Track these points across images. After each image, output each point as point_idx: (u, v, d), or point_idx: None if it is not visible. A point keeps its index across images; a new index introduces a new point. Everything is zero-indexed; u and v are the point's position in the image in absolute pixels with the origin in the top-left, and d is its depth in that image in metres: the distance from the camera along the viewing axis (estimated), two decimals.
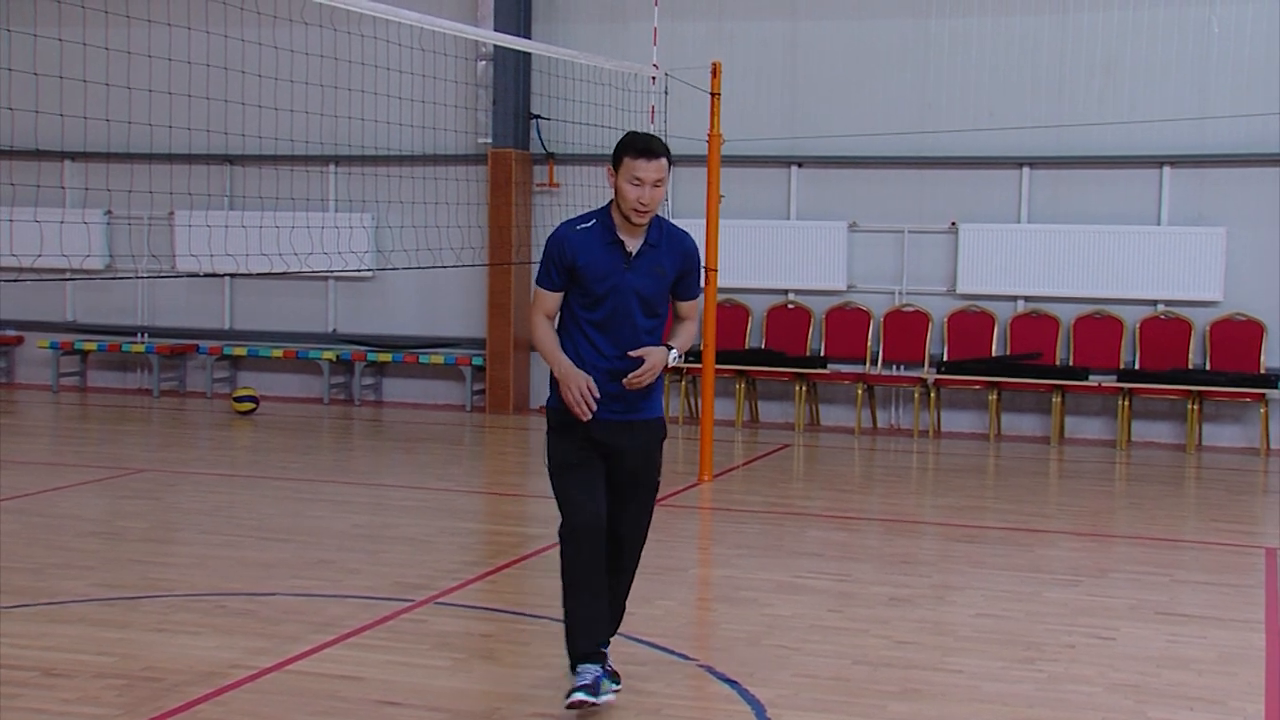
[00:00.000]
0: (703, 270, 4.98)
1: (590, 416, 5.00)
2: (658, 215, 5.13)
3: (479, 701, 5.28)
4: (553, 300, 5.15)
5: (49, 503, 9.08)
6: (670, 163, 5.10)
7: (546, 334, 5.12)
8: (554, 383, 5.12)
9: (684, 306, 5.31)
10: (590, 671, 4.99)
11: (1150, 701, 5.41)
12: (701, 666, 5.73)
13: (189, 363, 15.43)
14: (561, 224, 5.19)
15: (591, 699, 4.94)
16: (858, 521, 9.02)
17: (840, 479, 10.83)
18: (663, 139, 5.10)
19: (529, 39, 13.13)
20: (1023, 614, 6.68)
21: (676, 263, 5.15)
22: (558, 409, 5.14)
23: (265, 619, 6.30)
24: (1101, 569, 7.75)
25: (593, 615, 5.05)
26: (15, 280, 7.79)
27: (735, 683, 5.49)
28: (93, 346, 15.23)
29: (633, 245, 5.10)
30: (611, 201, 5.12)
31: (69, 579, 7.00)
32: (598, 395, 4.99)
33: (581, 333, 5.11)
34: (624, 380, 5.03)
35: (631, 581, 5.39)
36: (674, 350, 5.15)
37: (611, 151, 5.15)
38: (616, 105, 11.98)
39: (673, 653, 5.90)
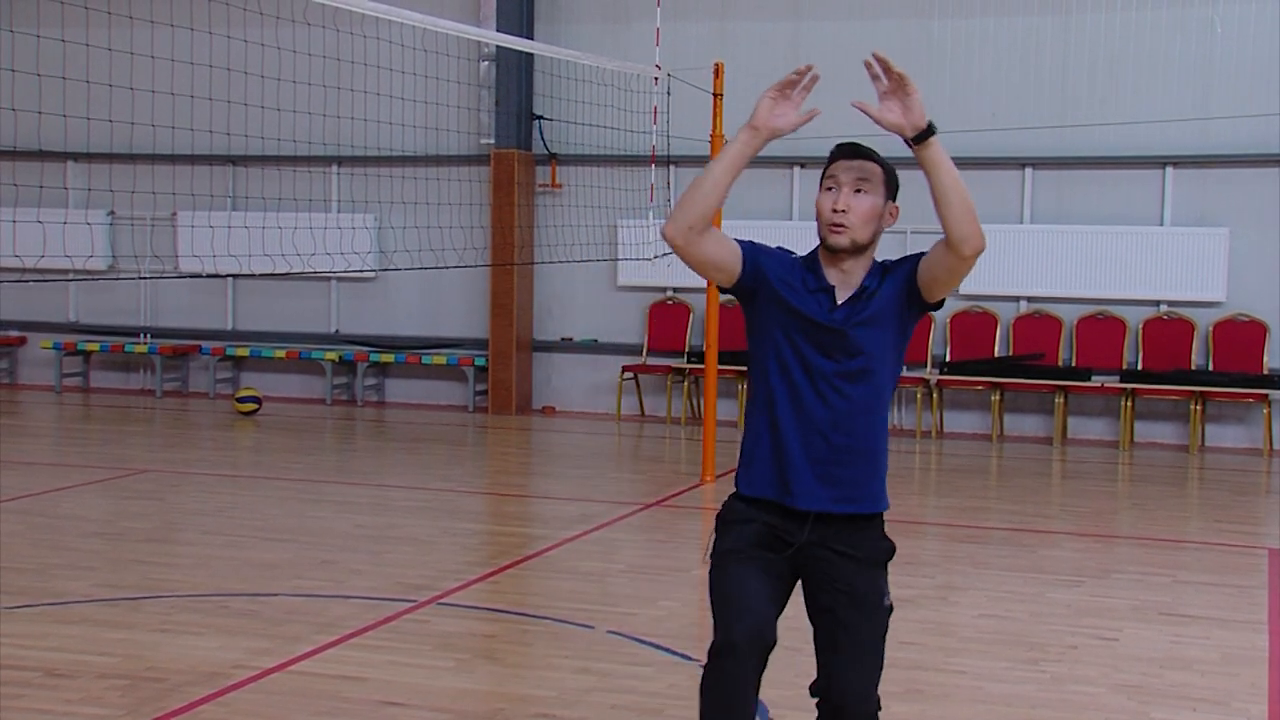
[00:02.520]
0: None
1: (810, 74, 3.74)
2: (876, 259, 3.81)
3: (482, 702, 5.28)
4: (729, 242, 3.78)
5: (52, 503, 9.08)
6: (888, 174, 3.87)
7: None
8: (743, 458, 3.79)
9: (935, 248, 3.77)
10: None
11: (1153, 702, 5.41)
12: (704, 667, 5.72)
13: (192, 363, 15.44)
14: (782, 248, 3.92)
15: None
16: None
17: None
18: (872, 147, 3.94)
19: (531, 40, 13.12)
20: (1026, 614, 6.68)
21: (898, 283, 3.75)
22: (733, 498, 3.81)
23: (268, 619, 6.30)
24: (1104, 569, 7.75)
25: None
26: (18, 281, 7.79)
27: None
28: (95, 347, 15.24)
29: (843, 293, 3.73)
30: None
31: (72, 579, 7.00)
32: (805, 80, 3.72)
33: (771, 398, 3.73)
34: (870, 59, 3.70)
35: None
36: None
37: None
38: (619, 106, 11.99)
39: (675, 653, 5.89)
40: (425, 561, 7.57)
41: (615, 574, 7.42)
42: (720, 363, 10.80)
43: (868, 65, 3.66)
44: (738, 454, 3.85)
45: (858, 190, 3.76)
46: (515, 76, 13.89)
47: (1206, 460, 11.95)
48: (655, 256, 11.27)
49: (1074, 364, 12.72)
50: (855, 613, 3.69)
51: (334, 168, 14.59)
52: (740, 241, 3.80)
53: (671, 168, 13.34)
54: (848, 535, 3.71)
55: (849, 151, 3.84)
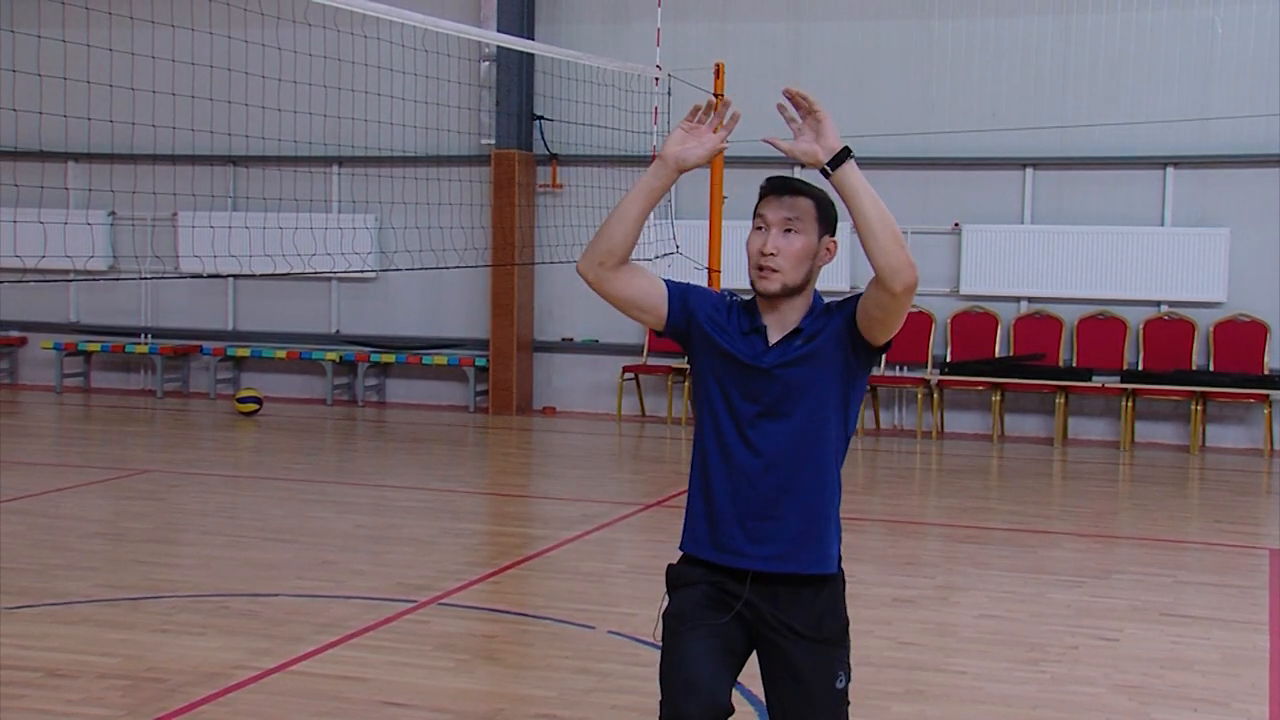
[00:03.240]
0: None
1: (727, 114, 3.48)
2: (818, 294, 3.55)
3: (482, 702, 5.28)
4: (655, 281, 3.60)
5: (52, 504, 9.09)
6: (821, 208, 3.55)
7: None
8: (689, 519, 3.60)
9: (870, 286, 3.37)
10: None
11: (1154, 703, 5.41)
12: None
13: (192, 363, 15.44)
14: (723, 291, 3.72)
15: None
16: (861, 522, 9.00)
17: (843, 480, 10.81)
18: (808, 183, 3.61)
19: (532, 40, 13.13)
20: (1026, 615, 6.68)
21: (836, 327, 3.46)
22: (679, 561, 3.64)
23: (269, 620, 6.30)
24: (1105, 570, 7.74)
25: None
26: (19, 281, 7.80)
27: (738, 684, 5.48)
28: (96, 347, 15.24)
29: (775, 332, 3.50)
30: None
31: (73, 580, 7.00)
32: (719, 112, 3.48)
33: (704, 449, 3.52)
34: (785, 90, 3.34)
35: None
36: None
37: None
38: (619, 106, 11.98)
39: None
40: (426, 562, 7.57)
41: (616, 574, 7.42)
42: None
43: (780, 108, 3.39)
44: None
45: (787, 230, 3.47)
46: (516, 77, 13.89)
47: (1207, 461, 11.95)
48: (655, 257, 11.27)
49: (1075, 364, 12.72)
50: (802, 703, 3.44)
51: (335, 168, 14.59)
52: (669, 282, 3.58)
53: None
54: (790, 603, 3.44)
55: (778, 187, 3.55)
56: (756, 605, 3.46)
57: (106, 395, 15.19)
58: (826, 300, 3.56)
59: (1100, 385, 12.42)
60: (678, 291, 3.58)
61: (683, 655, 3.42)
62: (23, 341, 15.89)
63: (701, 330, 3.52)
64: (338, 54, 10.84)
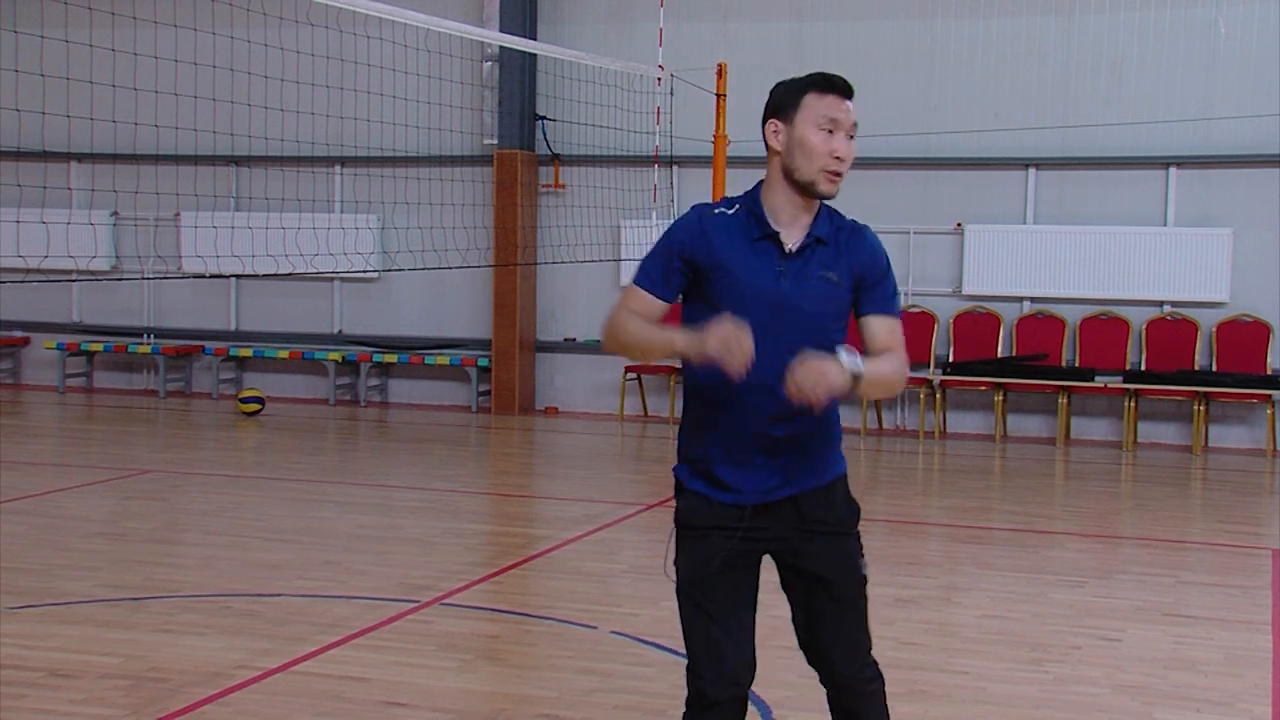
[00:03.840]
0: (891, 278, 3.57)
1: (747, 369, 3.22)
2: (826, 205, 3.50)
3: (484, 702, 5.28)
4: (645, 305, 3.45)
5: (55, 503, 9.09)
6: None
7: (633, 322, 3.42)
8: (683, 443, 3.64)
9: (875, 325, 3.47)
10: None
11: (1156, 703, 5.41)
12: None
13: (195, 364, 15.45)
14: (695, 205, 3.53)
15: None
16: (863, 522, 8.99)
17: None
18: None
19: (534, 40, 13.13)
20: (1028, 615, 6.67)
21: (855, 264, 3.45)
22: (686, 497, 3.63)
23: (271, 620, 6.30)
24: (1107, 570, 7.74)
25: None
26: (22, 281, 7.79)
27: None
28: (99, 347, 15.25)
29: (792, 239, 3.43)
30: (760, 183, 3.51)
31: (75, 580, 7.00)
32: (750, 352, 3.20)
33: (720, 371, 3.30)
34: (786, 388, 3.24)
35: None
36: (850, 358, 3.27)
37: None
38: (622, 106, 11.99)
39: (678, 654, 5.87)
40: (428, 562, 7.57)
41: (618, 574, 7.42)
42: None
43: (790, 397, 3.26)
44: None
45: (849, 136, 3.41)
46: (518, 77, 13.89)
47: (1210, 461, 11.94)
48: None
49: (1077, 364, 12.72)
50: (831, 601, 3.62)
51: (337, 168, 14.60)
52: (659, 279, 3.46)
53: (675, 168, 13.36)
54: (811, 507, 3.60)
55: (844, 88, 3.43)
56: (774, 528, 3.52)
57: (109, 395, 15.20)
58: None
59: (1103, 385, 12.41)
60: (670, 282, 3.47)
61: (706, 634, 3.50)
62: (25, 341, 15.90)
63: (699, 270, 3.46)
64: (340, 54, 10.86)
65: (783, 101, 3.43)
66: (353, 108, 11.77)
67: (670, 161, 12.95)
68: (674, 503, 3.68)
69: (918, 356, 13.16)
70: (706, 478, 3.58)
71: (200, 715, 5.03)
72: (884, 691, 3.70)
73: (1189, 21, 12.55)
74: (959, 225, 13.13)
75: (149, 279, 15.00)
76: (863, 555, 3.71)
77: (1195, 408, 12.21)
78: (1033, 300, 13.09)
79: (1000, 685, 5.58)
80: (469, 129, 14.05)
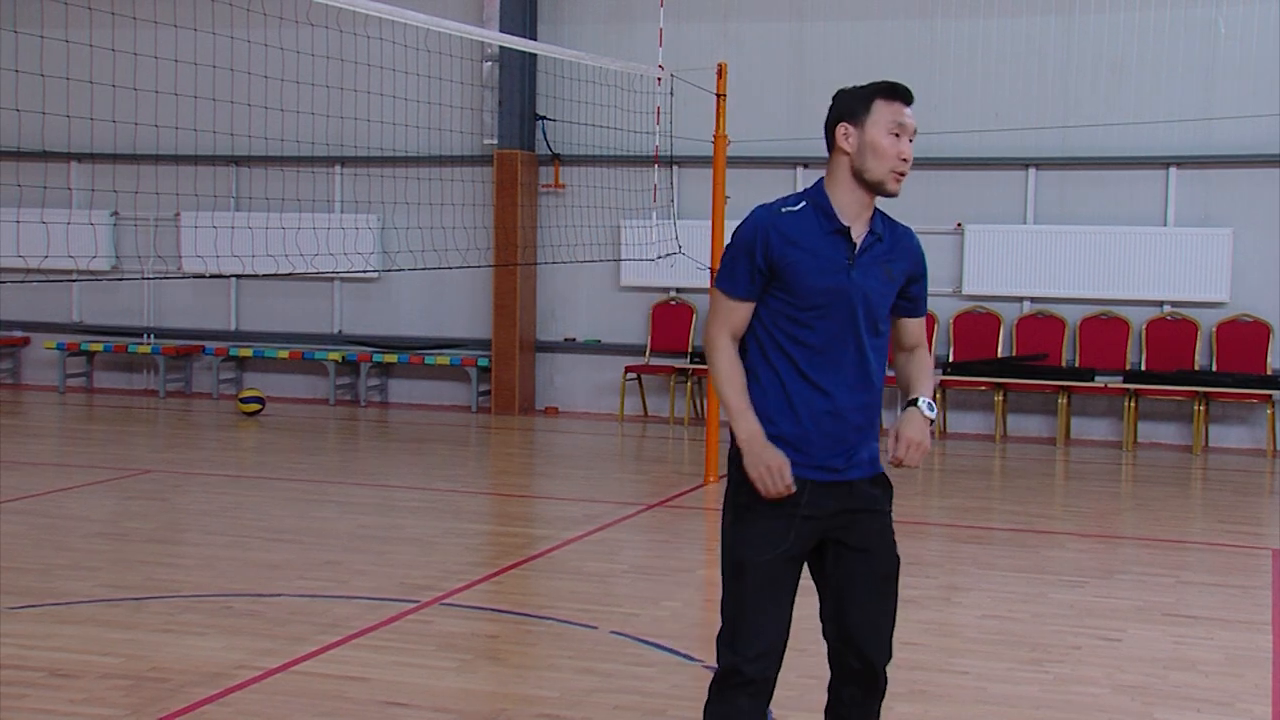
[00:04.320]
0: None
1: (782, 496, 3.63)
2: (879, 206, 3.83)
3: (485, 702, 5.28)
4: (742, 313, 3.71)
5: (55, 504, 9.09)
6: None
7: (732, 371, 3.72)
8: (737, 448, 3.73)
9: (912, 326, 3.96)
10: None
11: (1157, 703, 5.41)
12: (707, 668, 5.72)
13: (195, 364, 15.45)
14: (759, 207, 3.76)
15: None
16: None
17: None
18: None
19: (534, 40, 13.13)
20: (1029, 615, 6.68)
21: (906, 265, 3.84)
22: (746, 480, 3.72)
23: (271, 620, 6.31)
24: (1108, 570, 7.74)
25: None
26: (22, 281, 7.79)
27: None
28: (99, 347, 15.26)
29: (859, 234, 3.74)
30: (823, 179, 3.76)
31: (75, 580, 7.01)
32: (791, 485, 3.62)
33: (788, 360, 3.69)
34: (892, 459, 3.73)
35: None
36: (926, 403, 3.83)
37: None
38: (622, 106, 11.99)
39: (678, 654, 5.89)
40: (428, 562, 7.57)
41: (618, 574, 7.42)
42: None
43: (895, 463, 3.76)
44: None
45: (910, 140, 3.71)
46: (518, 77, 13.90)
47: (1210, 461, 11.94)
48: (658, 257, 11.28)
49: (1077, 364, 12.72)
50: (870, 576, 3.80)
51: (337, 168, 14.60)
52: (746, 283, 3.72)
53: (675, 168, 13.36)
54: (864, 487, 3.83)
55: (909, 96, 3.72)
56: (833, 504, 3.72)
57: (109, 395, 15.21)
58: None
59: (1103, 385, 12.41)
60: (755, 284, 3.71)
61: (755, 614, 3.67)
62: (25, 341, 15.90)
63: (778, 269, 3.70)
64: (340, 54, 10.86)
65: (853, 107, 3.69)
66: (353, 108, 11.77)
67: (670, 161, 12.95)
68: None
69: None
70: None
71: (201, 715, 5.03)
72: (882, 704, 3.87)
73: (1189, 21, 12.55)
74: (959, 225, 13.13)
75: (149, 279, 15.00)
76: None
77: (1195, 408, 12.22)
78: (1033, 300, 13.09)
79: (1000, 685, 5.58)
80: (469, 129, 14.05)
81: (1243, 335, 12.40)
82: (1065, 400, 12.53)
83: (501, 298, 13.99)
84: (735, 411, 3.69)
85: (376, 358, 14.56)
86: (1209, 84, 12.51)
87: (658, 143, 11.24)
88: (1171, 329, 12.61)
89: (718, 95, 10.24)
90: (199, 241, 14.32)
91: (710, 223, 10.21)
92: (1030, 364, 12.71)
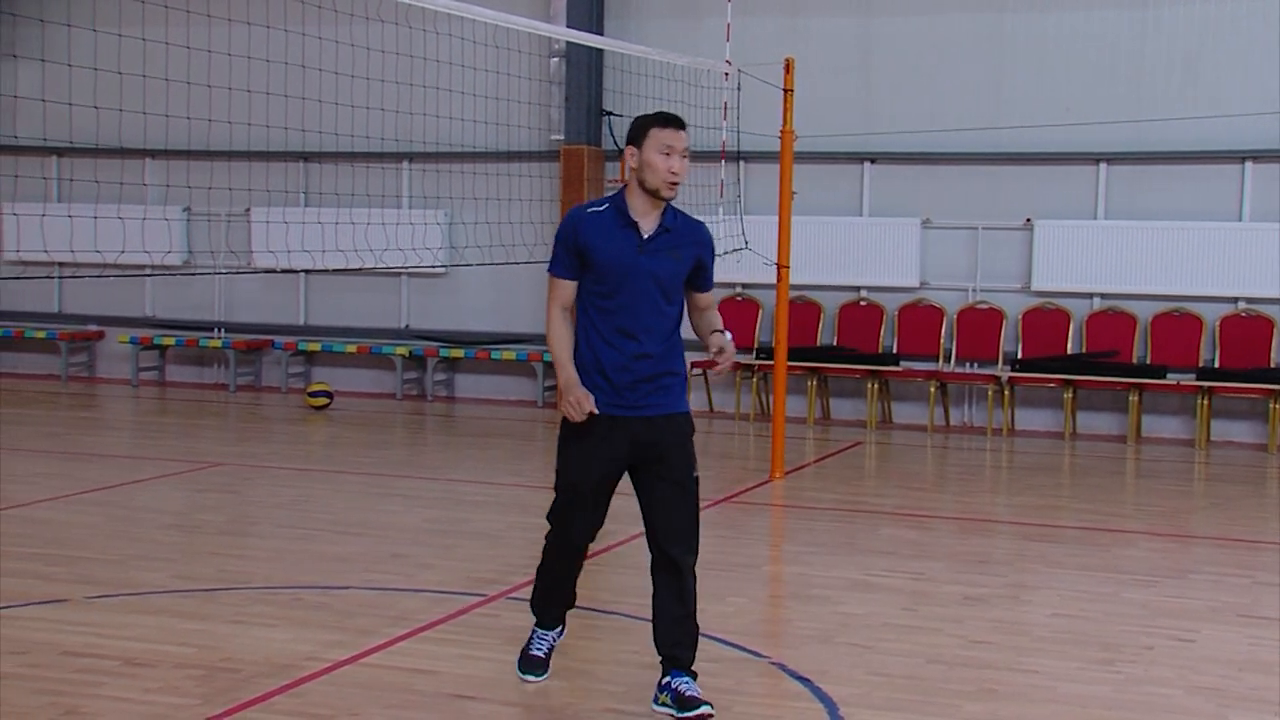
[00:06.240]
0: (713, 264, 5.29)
1: (585, 417, 4.96)
2: (670, 204, 5.08)
3: (551, 696, 5.30)
4: (568, 289, 5.02)
5: (129, 495, 9.24)
6: None
7: (561, 333, 5.01)
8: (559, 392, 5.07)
9: (703, 298, 5.23)
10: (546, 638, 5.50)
11: (1232, 705, 5.32)
12: (773, 664, 5.72)
13: (264, 358, 15.62)
14: (574, 207, 5.11)
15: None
16: (930, 520, 8.94)
17: (913, 477, 10.76)
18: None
19: (601, 35, 13.15)
20: (1100, 614, 6.60)
21: (693, 251, 5.08)
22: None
23: (340, 612, 6.37)
24: (1180, 570, 7.64)
25: (565, 594, 5.52)
26: (99, 276, 7.93)
27: (807, 680, 5.47)
28: (171, 341, 15.47)
29: (648, 228, 5.01)
30: (625, 186, 5.06)
31: (149, 570, 7.11)
32: (594, 410, 4.95)
33: (598, 321, 4.99)
34: (713, 364, 5.07)
35: (695, 592, 5.14)
36: (727, 335, 5.11)
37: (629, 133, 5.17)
38: (689, 101, 11.96)
39: (744, 649, 5.89)
40: (495, 556, 7.61)
41: None
42: (790, 359, 10.72)
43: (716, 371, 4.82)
44: None
45: (684, 155, 4.98)
46: (585, 72, 13.92)
47: None
48: (724, 253, 11.23)
49: (1149, 361, 12.55)
50: (677, 494, 5.20)
51: (405, 164, 14.70)
52: (567, 265, 5.02)
53: (741, 163, 13.32)
54: (666, 421, 5.18)
55: (678, 122, 5.00)
56: (644, 433, 5.08)
57: (181, 389, 15.42)
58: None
59: (1175, 383, 12.24)
60: (573, 266, 5.03)
61: (581, 511, 5.53)
62: (100, 335, 16.16)
63: (584, 255, 5.01)
64: (409, 50, 10.93)
65: (635, 134, 4.99)
66: (421, 103, 11.84)
67: (737, 156, 12.90)
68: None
69: (986, 353, 13.06)
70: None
71: (271, 706, 5.09)
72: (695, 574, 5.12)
73: (1266, 12, 12.32)
74: (1028, 221, 12.99)
75: (220, 274, 15.19)
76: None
77: (1271, 406, 12.01)
78: (1103, 297, 12.92)
79: (1071, 685, 5.52)
80: (536, 124, 14.09)
81: None
82: (1136, 398, 12.36)
83: None
84: (558, 364, 4.97)
85: (443, 352, 14.65)
86: None
87: (724, 138, 11.22)
88: (1246, 326, 12.41)
89: (785, 90, 10.20)
90: (269, 237, 14.42)
91: (777, 218, 10.18)
92: (1100, 361, 12.55)
